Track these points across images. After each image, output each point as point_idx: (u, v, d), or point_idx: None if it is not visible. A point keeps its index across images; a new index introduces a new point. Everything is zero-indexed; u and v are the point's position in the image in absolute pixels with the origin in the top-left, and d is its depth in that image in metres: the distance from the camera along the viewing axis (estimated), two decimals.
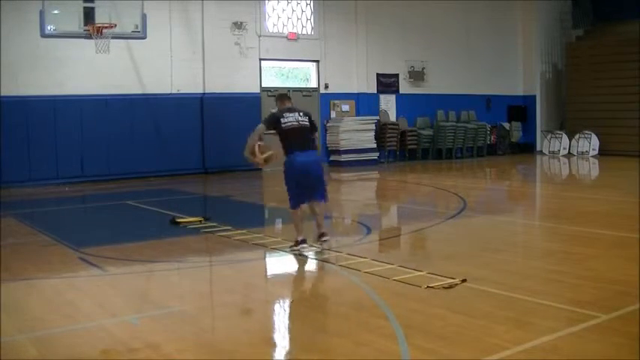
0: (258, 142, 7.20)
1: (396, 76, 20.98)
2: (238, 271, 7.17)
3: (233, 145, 17.75)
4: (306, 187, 7.27)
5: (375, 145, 19.64)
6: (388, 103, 20.90)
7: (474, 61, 22.45)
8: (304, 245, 7.34)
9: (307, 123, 7.33)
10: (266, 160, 7.25)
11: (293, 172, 7.23)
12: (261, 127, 7.28)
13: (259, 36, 18.24)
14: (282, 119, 7.22)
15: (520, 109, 23.80)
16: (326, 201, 7.49)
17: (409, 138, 20.83)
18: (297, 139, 7.19)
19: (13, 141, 14.65)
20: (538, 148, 23.62)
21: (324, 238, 7.33)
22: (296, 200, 7.33)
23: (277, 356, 4.54)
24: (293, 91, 19.13)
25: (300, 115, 7.32)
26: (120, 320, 5.20)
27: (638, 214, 9.46)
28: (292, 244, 7.44)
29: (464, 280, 5.92)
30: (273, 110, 7.72)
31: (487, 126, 22.59)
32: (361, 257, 7.02)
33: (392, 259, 6.96)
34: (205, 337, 4.84)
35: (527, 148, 23.48)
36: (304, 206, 7.48)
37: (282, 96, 7.61)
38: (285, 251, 7.51)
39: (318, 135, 7.77)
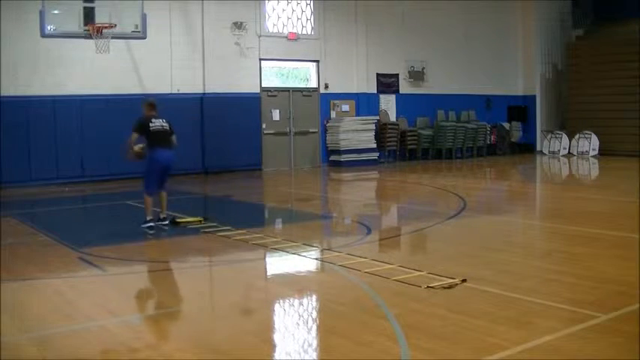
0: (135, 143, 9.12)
1: (396, 76, 20.98)
2: (238, 271, 7.17)
3: (233, 146, 18.00)
4: (162, 177, 9.22)
5: (375, 145, 19.62)
6: (388, 103, 20.90)
7: (474, 61, 22.45)
8: (152, 224, 9.02)
9: (168, 127, 9.14)
10: (140, 153, 9.06)
11: (157, 165, 9.08)
12: (134, 134, 9.02)
13: (259, 36, 18.23)
14: (150, 124, 9.00)
15: (520, 109, 23.79)
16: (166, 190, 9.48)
17: (409, 138, 20.83)
18: (161, 140, 9.03)
19: (13, 141, 14.64)
20: (538, 148, 23.60)
21: (165, 222, 9.25)
22: (153, 187, 9.18)
23: (277, 356, 4.54)
24: (293, 91, 19.18)
25: (163, 120, 9.14)
26: (120, 320, 5.20)
27: (638, 214, 9.46)
28: (144, 222, 9.03)
29: (464, 280, 5.92)
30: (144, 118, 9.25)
31: (487, 126, 22.58)
32: (361, 257, 7.02)
33: (392, 259, 6.96)
34: (205, 337, 4.84)
35: (527, 148, 23.47)
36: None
37: (151, 105, 9.26)
38: (286, 251, 7.53)
39: (175, 136, 9.34)
